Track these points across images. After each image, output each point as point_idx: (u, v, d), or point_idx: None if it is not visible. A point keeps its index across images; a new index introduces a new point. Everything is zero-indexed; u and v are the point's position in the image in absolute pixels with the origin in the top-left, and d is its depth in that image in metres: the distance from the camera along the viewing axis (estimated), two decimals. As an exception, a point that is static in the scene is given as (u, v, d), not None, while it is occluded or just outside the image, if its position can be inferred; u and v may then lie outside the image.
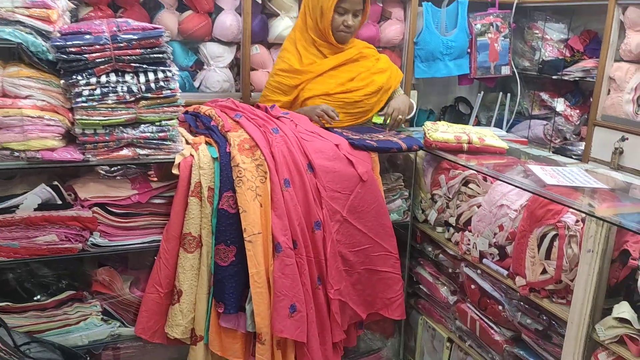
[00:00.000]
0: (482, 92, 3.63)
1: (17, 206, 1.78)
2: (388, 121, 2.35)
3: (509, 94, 3.61)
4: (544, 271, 1.70)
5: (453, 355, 2.19)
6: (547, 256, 1.69)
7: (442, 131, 2.25)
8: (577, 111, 3.30)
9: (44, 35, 1.74)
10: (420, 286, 2.37)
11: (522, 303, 1.81)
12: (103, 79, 1.77)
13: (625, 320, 1.46)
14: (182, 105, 1.93)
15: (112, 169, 2.07)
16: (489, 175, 1.96)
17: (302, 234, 1.96)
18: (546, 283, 1.69)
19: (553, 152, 3.21)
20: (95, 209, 1.86)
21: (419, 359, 2.42)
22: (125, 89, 1.79)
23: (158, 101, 1.84)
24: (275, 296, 1.89)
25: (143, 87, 1.81)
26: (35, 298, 1.94)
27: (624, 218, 1.46)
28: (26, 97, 1.74)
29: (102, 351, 1.99)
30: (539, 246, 1.71)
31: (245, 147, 1.96)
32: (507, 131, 3.58)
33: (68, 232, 1.83)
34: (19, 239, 1.78)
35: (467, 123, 3.68)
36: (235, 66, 3.06)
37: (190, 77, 2.99)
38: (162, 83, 1.83)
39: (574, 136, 3.32)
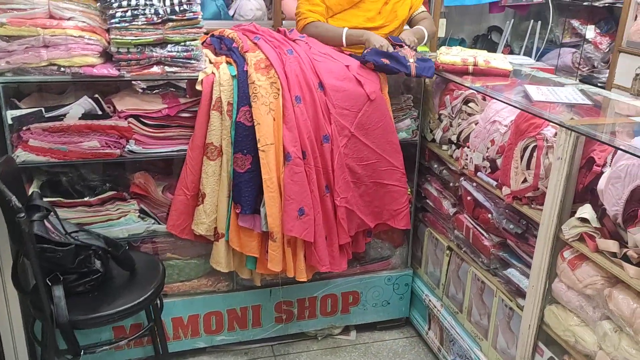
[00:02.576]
0: (512, 20, 3.64)
1: (64, 115, 2.07)
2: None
3: (539, 22, 3.60)
4: (525, 180, 1.85)
5: (452, 261, 2.40)
6: (528, 166, 1.84)
7: (452, 55, 2.36)
8: (607, 39, 3.29)
9: (82, -39, 1.97)
10: (427, 201, 2.56)
11: (507, 210, 1.98)
12: (133, 2, 1.99)
13: (586, 221, 1.61)
14: (207, 32, 2.15)
15: (149, 85, 2.32)
16: (484, 94, 2.09)
17: (311, 146, 2.17)
18: (526, 191, 1.84)
19: (580, 81, 3.23)
20: (130, 120, 2.14)
21: (424, 266, 2.64)
22: (152, 11, 2.00)
23: (182, 23, 2.05)
24: (285, 200, 2.13)
25: (168, 10, 2.02)
26: (85, 198, 2.26)
27: (593, 129, 1.59)
28: (69, 19, 1.99)
29: (140, 243, 2.32)
30: (522, 157, 1.85)
31: (261, 66, 2.16)
32: (536, 60, 3.60)
33: (108, 139, 2.11)
34: (67, 144, 2.07)
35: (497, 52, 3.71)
36: (268, -6, 3.22)
37: (225, 5, 3.17)
38: (185, 6, 2.04)
39: (602, 64, 3.32)
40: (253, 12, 3.17)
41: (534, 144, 1.80)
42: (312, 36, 2.41)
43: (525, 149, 1.84)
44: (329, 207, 2.25)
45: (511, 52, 3.85)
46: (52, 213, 1.88)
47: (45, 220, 1.90)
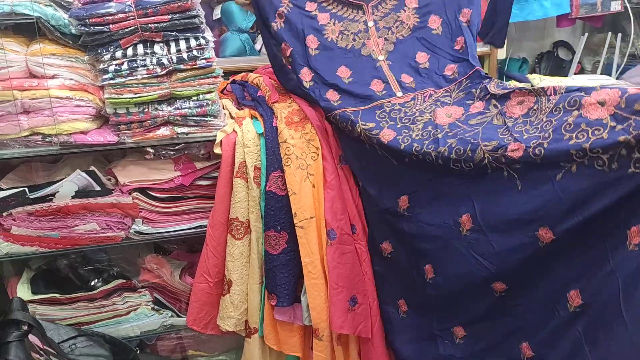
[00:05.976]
0: (587, 34, 3.12)
1: (53, 194, 1.67)
2: None
3: (619, 34, 3.07)
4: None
5: None
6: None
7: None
8: None
9: (65, 6, 1.59)
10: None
11: None
12: (130, 51, 1.59)
13: None
14: (222, 74, 1.73)
15: (163, 152, 1.93)
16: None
17: (362, 216, 1.71)
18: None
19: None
20: (135, 194, 1.73)
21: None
22: (154, 61, 1.60)
23: (193, 73, 1.64)
24: (332, 288, 1.66)
25: (174, 58, 1.61)
26: (91, 284, 1.86)
27: None
28: (53, 77, 1.60)
29: (157, 341, 1.90)
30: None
31: (294, 119, 1.72)
32: (617, 78, 3.06)
33: (109, 220, 1.71)
34: (59, 229, 1.68)
35: (567, 71, 3.21)
36: (299, 23, 2.81)
37: (250, 39, 2.78)
38: (195, 52, 1.62)
39: (703, 80, 2.76)
40: (283, 45, 2.77)
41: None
42: None
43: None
44: (388, 291, 1.78)
45: (582, 71, 3.33)
46: (35, 328, 1.47)
47: (30, 335, 1.50)
